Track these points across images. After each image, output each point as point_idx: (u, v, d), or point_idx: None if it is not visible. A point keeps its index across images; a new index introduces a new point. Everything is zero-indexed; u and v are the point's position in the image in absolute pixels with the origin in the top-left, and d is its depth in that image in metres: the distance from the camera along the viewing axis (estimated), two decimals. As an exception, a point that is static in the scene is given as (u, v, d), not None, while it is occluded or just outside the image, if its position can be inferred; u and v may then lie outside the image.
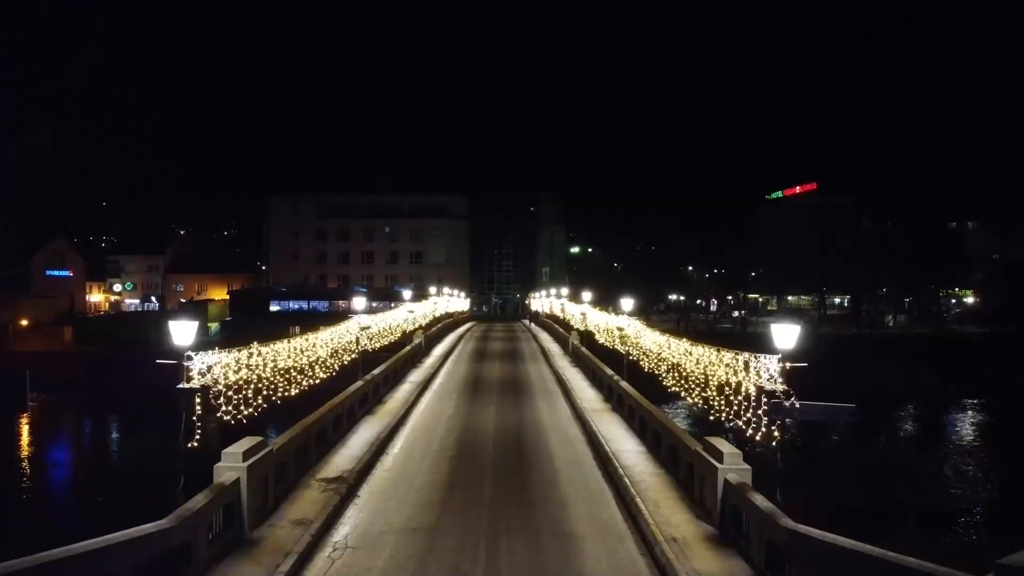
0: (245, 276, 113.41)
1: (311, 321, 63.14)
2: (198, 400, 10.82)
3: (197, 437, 10.79)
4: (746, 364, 11.98)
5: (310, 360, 17.27)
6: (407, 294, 38.80)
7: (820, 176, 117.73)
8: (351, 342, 21.99)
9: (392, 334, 31.08)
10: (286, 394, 15.45)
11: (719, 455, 11.91)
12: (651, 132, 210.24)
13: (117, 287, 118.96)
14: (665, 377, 18.20)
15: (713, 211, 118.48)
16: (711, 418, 16.06)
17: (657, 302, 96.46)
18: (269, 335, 17.15)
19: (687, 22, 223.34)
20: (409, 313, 35.25)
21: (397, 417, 21.26)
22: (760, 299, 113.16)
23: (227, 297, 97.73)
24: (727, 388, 13.13)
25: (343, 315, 30.62)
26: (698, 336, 24.22)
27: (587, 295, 36.97)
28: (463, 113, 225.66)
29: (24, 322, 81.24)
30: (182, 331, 10.42)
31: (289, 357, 15.51)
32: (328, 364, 19.18)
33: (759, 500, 10.30)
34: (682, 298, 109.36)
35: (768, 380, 10.97)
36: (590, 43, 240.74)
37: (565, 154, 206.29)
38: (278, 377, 14.84)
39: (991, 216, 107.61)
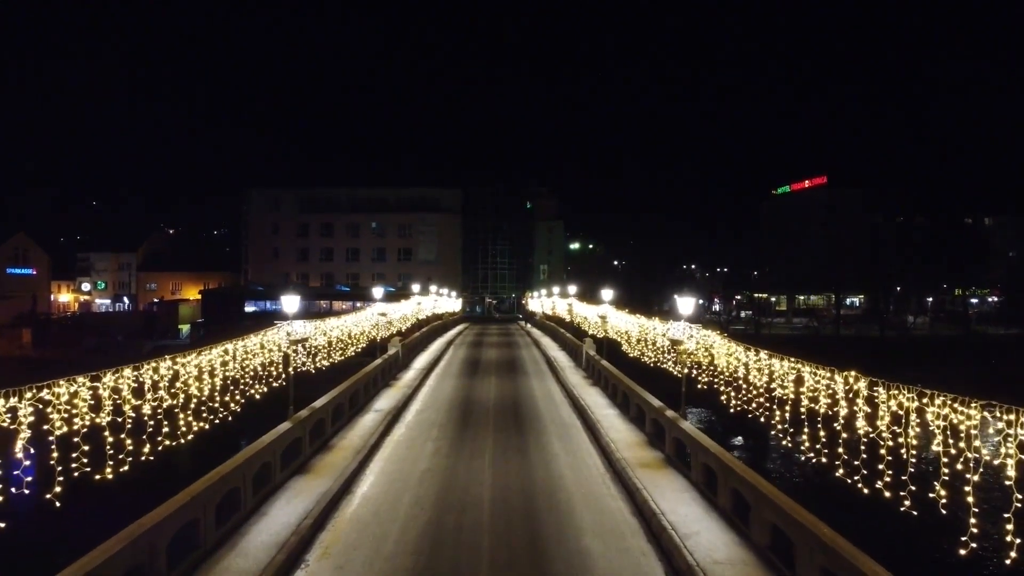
0: (223, 275, 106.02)
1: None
2: None
3: None
4: None
5: (163, 405, 9.87)
6: (378, 292, 31.03)
7: (830, 169, 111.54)
8: (275, 362, 14.60)
9: (355, 344, 23.74)
10: (103, 477, 8.14)
11: None
12: (651, 127, 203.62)
13: (86, 286, 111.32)
14: (787, 433, 10.82)
15: (718, 207, 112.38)
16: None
17: (661, 302, 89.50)
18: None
19: (689, 11, 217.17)
20: (381, 317, 27.79)
21: (343, 479, 13.90)
22: (772, 299, 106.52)
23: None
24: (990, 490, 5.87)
25: (324, 316, 23.34)
26: None
27: (607, 294, 29.74)
28: (455, 103, 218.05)
29: (-20, 324, 73.68)
30: None
31: (104, 410, 8.18)
32: (214, 407, 11.72)
33: None
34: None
35: None
36: (589, 32, 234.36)
37: (562, 148, 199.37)
38: (67, 453, 7.53)
39: (1016, 210, 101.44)
